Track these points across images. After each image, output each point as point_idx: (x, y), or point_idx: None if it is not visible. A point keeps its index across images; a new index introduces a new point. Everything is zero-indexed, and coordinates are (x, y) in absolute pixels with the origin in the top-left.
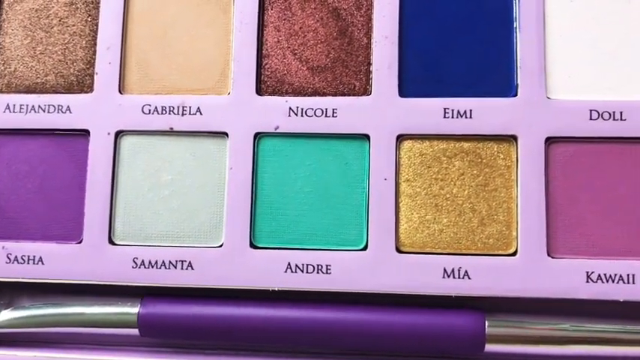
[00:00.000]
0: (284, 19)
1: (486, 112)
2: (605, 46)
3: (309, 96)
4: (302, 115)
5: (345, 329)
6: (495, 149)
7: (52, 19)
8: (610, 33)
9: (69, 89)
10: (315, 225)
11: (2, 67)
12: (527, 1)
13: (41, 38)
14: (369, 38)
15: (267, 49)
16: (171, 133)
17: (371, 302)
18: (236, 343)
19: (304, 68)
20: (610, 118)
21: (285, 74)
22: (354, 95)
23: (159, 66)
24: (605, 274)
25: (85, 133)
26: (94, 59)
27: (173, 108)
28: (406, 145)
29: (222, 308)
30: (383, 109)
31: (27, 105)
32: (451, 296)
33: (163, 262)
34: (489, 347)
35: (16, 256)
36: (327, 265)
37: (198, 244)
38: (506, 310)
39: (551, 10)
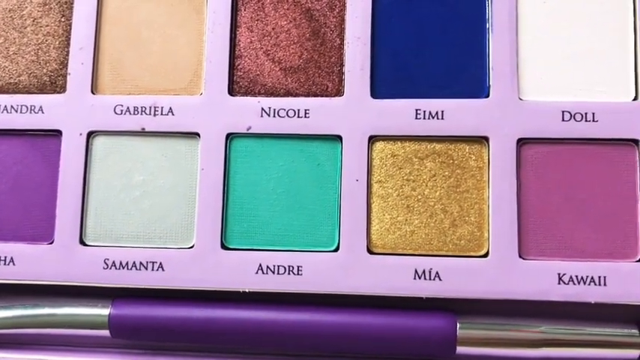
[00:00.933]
0: (257, 20)
1: (458, 113)
2: (578, 47)
3: (281, 97)
4: (274, 116)
5: (315, 331)
6: (467, 150)
7: (25, 20)
8: (583, 34)
9: (42, 89)
10: (287, 226)
11: None
12: (500, 1)
13: (14, 38)
14: (342, 39)
15: (239, 50)
16: (143, 133)
17: (342, 303)
18: (207, 344)
19: (277, 69)
20: (582, 119)
21: (257, 75)
22: (326, 96)
23: (131, 66)
24: (576, 276)
25: (57, 133)
26: (67, 60)
27: (145, 108)
28: (378, 146)
29: (193, 310)
30: (355, 110)
31: (0, 105)
32: (423, 298)
33: (134, 263)
34: (460, 349)
35: None
36: (298, 267)
37: (170, 245)
38: (478, 311)
39: (524, 11)
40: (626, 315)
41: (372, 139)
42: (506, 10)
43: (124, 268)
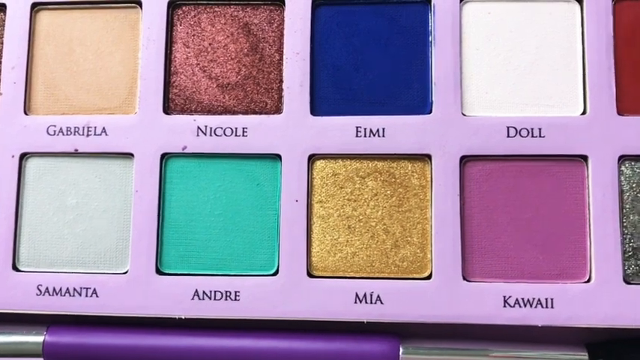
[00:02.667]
0: (193, 35)
1: (399, 131)
2: (524, 61)
3: (219, 114)
4: (211, 135)
5: (254, 357)
6: (409, 168)
7: None
8: (529, 46)
9: None
10: (225, 250)
11: None
12: (443, 14)
13: None
14: (281, 54)
15: (175, 67)
16: (76, 154)
17: (283, 328)
18: None
19: (214, 86)
20: (528, 135)
21: (194, 92)
22: (265, 114)
23: (65, 85)
24: (522, 299)
25: None
26: None
27: (78, 128)
28: (319, 165)
29: (129, 336)
30: (294, 128)
31: None
32: (364, 322)
33: (68, 289)
34: None
35: None
36: (235, 292)
37: (104, 270)
38: (423, 335)
39: (468, 23)
40: (576, 337)
41: (313, 158)
42: (450, 22)
43: (57, 294)
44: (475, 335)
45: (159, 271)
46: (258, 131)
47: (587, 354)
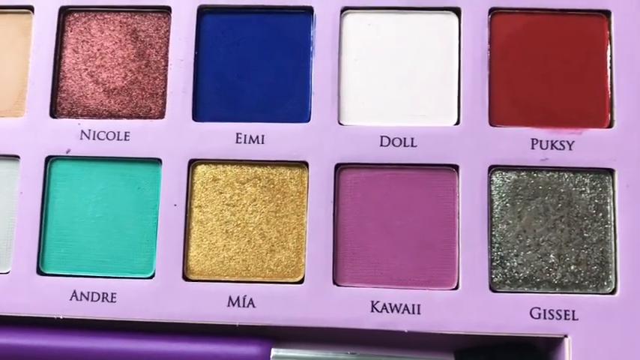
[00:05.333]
0: (83, 41)
1: (278, 138)
2: (401, 71)
3: (104, 119)
4: (94, 139)
5: (125, 358)
6: (288, 175)
7: None
8: (407, 58)
9: None
10: (105, 252)
11: None
12: (324, 24)
13: None
14: (167, 61)
15: (64, 72)
16: None
17: (160, 330)
18: None
19: (100, 90)
20: (401, 144)
21: (81, 96)
22: (150, 118)
23: None
24: (390, 304)
25: None
26: None
27: None
28: (199, 170)
29: (8, 337)
30: (176, 133)
31: None
32: (243, 325)
33: None
34: None
35: None
36: (112, 294)
37: None
38: (299, 339)
39: (348, 34)
40: (447, 344)
41: (193, 163)
42: (330, 33)
43: None
44: (347, 339)
45: (40, 272)
46: (140, 136)
47: (453, 358)
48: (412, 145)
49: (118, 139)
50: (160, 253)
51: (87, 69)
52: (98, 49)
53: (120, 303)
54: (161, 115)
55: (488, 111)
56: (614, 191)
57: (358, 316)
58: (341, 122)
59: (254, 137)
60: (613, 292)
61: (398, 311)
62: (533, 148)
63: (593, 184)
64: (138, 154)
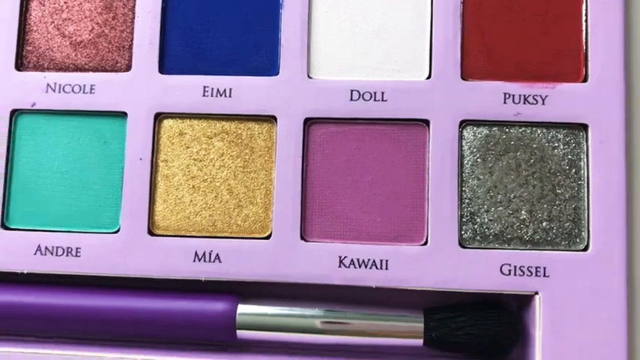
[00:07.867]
0: None
1: (246, 92)
2: (372, 25)
3: (70, 72)
4: (60, 92)
5: (94, 315)
6: (256, 130)
7: None
8: (377, 11)
9: None
10: (70, 206)
11: None
12: None
13: None
14: (135, 13)
15: (30, 25)
16: None
17: (125, 286)
18: None
19: (67, 43)
20: (371, 98)
21: (47, 49)
22: (116, 72)
23: None
24: (357, 259)
25: None
26: None
27: None
28: (166, 124)
29: None
30: (141, 86)
31: None
32: (209, 280)
33: None
34: (241, 333)
35: None
36: (77, 248)
37: None
38: (266, 295)
39: None
40: (415, 301)
41: (160, 117)
42: None
43: None
44: (314, 295)
45: (4, 226)
46: (106, 88)
47: (423, 316)
48: (382, 100)
49: (83, 92)
50: (125, 207)
51: (53, 22)
52: (65, 2)
53: (85, 258)
54: (128, 69)
55: (460, 65)
56: (587, 147)
57: (325, 271)
58: (310, 76)
59: (221, 90)
60: (585, 248)
61: (366, 267)
62: (505, 103)
63: (567, 139)
64: (103, 107)
